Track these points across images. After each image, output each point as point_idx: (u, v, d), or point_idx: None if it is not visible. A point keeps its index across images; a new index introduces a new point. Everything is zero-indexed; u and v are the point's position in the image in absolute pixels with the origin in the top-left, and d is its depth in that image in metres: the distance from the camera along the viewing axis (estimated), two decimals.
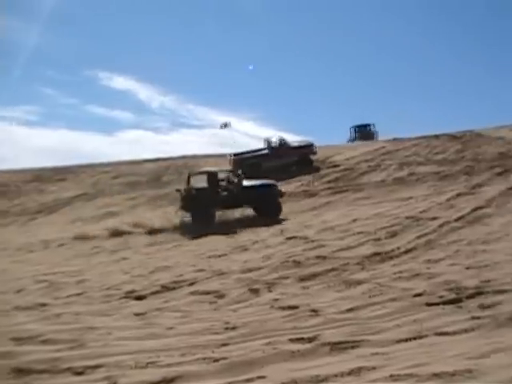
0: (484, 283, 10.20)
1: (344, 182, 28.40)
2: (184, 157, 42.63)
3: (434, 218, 17.87)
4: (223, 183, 23.02)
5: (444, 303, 9.34)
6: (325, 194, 26.80)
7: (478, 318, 8.35)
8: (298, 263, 13.81)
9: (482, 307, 8.89)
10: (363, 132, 50.49)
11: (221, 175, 23.45)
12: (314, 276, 12.39)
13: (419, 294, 10.00)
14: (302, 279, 12.22)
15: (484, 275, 10.81)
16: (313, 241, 16.77)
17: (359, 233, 17.14)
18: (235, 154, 34.20)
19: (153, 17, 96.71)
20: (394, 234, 16.36)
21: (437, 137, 36.28)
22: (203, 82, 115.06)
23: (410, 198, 23.03)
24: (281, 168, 32.36)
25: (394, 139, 38.31)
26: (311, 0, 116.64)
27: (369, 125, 51.64)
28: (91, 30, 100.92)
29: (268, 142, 34.38)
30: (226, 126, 36.71)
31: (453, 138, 35.30)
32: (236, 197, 22.73)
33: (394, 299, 9.89)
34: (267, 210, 22.85)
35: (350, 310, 9.48)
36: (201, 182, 22.70)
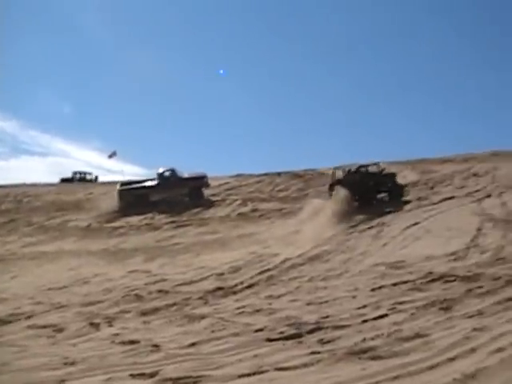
0: (323, 319, 10.41)
1: (188, 216, 28.28)
2: (23, 185, 41.20)
3: (276, 255, 18.09)
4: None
5: (285, 338, 9.43)
6: (168, 228, 26.59)
7: (318, 352, 8.50)
8: (139, 297, 13.60)
9: (322, 342, 9.07)
10: (82, 178, 50.98)
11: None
12: (155, 310, 12.22)
13: (260, 329, 10.07)
14: (144, 313, 12.02)
15: (324, 311, 11.04)
16: (155, 274, 16.62)
17: (202, 267, 17.12)
18: (122, 184, 32.82)
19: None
20: (237, 269, 16.43)
21: (279, 174, 36.90)
22: (47, 108, 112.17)
23: (253, 233, 23.31)
24: (170, 200, 31.19)
25: (238, 175, 38.58)
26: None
27: (87, 173, 52.01)
28: None
29: (158, 172, 32.53)
30: (114, 154, 35.45)
31: (295, 176, 36.00)
32: (376, 185, 26.94)
33: (236, 334, 9.89)
34: (397, 194, 26.74)
35: (191, 345, 9.39)
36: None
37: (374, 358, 8.10)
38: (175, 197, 31.58)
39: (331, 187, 26.88)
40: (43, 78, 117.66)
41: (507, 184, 26.98)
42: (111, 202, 31.17)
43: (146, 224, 27.75)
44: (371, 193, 26.81)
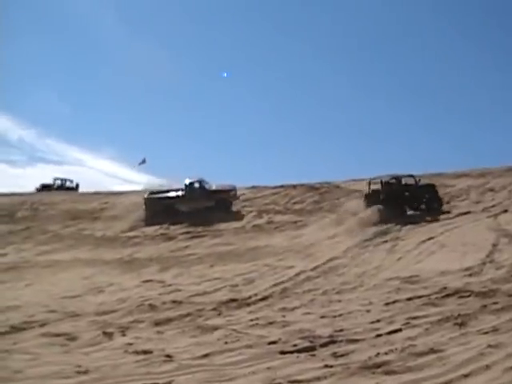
0: (337, 332, 10.35)
1: (203, 227, 28.31)
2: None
3: (290, 267, 18.06)
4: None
5: (298, 351, 9.38)
6: (183, 238, 26.64)
7: (331, 366, 8.47)
8: (153, 307, 13.57)
9: (335, 356, 9.03)
10: (62, 185, 50.15)
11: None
12: (169, 320, 12.20)
13: (274, 342, 10.02)
14: (157, 323, 11.99)
15: (337, 324, 10.99)
16: (169, 285, 16.61)
17: (216, 278, 17.11)
18: (151, 193, 32.98)
19: (12, 45, 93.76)
20: (250, 281, 16.42)
21: (295, 187, 36.81)
22: (63, 117, 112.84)
23: (267, 245, 23.28)
24: (196, 211, 30.90)
25: (253, 187, 38.44)
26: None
27: (68, 180, 51.03)
28: None
29: (185, 183, 32.51)
30: (143, 162, 35.47)
31: (311, 188, 35.92)
32: (414, 195, 27.50)
33: (249, 346, 9.86)
34: (434, 205, 27.42)
35: (204, 356, 9.35)
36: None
37: (387, 373, 8.07)
38: (201, 208, 31.28)
39: (366, 197, 27.51)
40: (58, 86, 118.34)
41: None
42: (132, 211, 31.33)
43: (161, 234, 27.85)
44: (405, 204, 27.33)
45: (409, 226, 23.75)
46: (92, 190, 42.81)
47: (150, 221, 30.10)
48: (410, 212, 27.25)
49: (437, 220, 24.65)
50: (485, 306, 11.50)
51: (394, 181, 27.98)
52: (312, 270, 17.46)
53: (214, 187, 32.91)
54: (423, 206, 27.58)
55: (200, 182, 32.61)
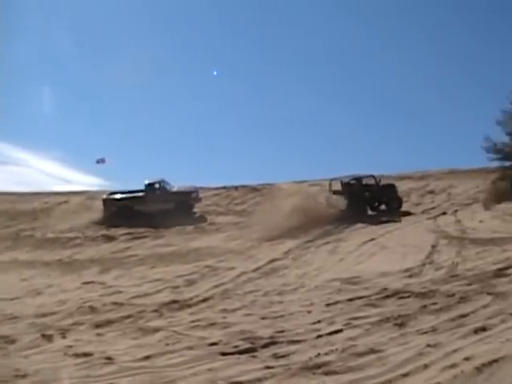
0: (278, 333, 10.36)
1: (144, 228, 28.09)
2: None
3: (232, 268, 18.03)
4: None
5: (239, 352, 9.37)
6: (124, 239, 26.40)
7: (272, 367, 8.47)
8: (93, 309, 13.40)
9: (276, 357, 9.03)
10: None
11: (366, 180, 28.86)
12: (109, 322, 12.05)
13: (215, 343, 9.98)
14: (98, 325, 11.84)
15: (278, 325, 11.00)
16: (110, 286, 16.43)
17: (157, 280, 16.98)
18: (110, 193, 32.42)
19: None
20: (192, 282, 16.34)
21: (236, 188, 36.87)
22: (10, 117, 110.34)
23: (209, 246, 23.22)
24: (156, 213, 30.02)
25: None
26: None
27: None
28: None
29: (145, 183, 31.94)
30: (102, 161, 34.54)
31: (252, 189, 36.04)
32: (375, 196, 28.47)
33: (190, 347, 9.80)
34: (394, 205, 28.21)
35: (145, 358, 9.27)
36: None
37: (327, 373, 8.11)
38: (161, 210, 30.52)
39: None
40: (6, 85, 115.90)
41: (462, 202, 27.60)
42: (74, 212, 30.84)
43: (102, 235, 27.51)
44: (366, 203, 28.23)
45: (351, 228, 24.02)
46: (34, 190, 42.07)
47: (107, 222, 29.75)
48: (370, 212, 27.98)
49: (378, 222, 24.96)
50: (424, 307, 11.64)
51: (354, 181, 28.36)
52: (253, 271, 17.46)
53: (175, 189, 32.48)
54: (383, 207, 28.16)
55: (160, 182, 32.13)
